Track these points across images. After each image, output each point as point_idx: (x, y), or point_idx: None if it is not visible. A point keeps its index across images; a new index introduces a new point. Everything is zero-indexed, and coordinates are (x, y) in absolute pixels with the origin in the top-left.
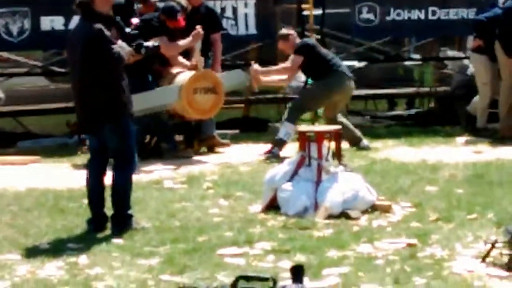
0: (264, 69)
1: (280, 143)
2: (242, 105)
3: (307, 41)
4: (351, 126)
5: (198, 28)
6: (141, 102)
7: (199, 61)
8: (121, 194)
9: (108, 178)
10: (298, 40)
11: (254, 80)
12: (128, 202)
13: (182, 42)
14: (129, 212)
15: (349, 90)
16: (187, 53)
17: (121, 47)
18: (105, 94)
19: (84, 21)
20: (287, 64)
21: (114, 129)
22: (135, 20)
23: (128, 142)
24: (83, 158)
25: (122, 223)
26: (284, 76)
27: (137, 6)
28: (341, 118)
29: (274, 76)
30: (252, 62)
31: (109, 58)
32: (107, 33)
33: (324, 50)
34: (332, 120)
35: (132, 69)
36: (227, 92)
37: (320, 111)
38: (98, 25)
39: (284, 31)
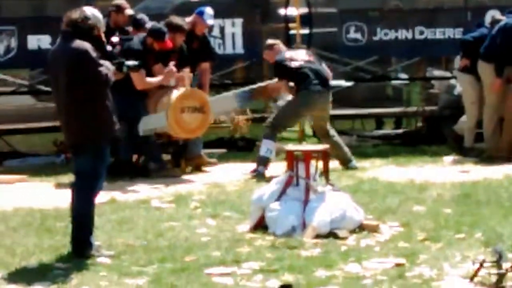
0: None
1: (263, 161)
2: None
3: (278, 60)
4: (344, 147)
5: (171, 65)
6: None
7: (187, 77)
8: (79, 217)
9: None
10: (284, 49)
11: (271, 91)
12: (88, 226)
13: (153, 80)
14: (90, 238)
15: (321, 104)
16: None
17: (107, 67)
18: (91, 116)
19: (68, 40)
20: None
21: (92, 151)
22: (115, 39)
23: (99, 166)
24: (70, 176)
25: (78, 250)
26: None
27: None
28: (335, 136)
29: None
30: (274, 77)
31: (97, 80)
32: (94, 53)
33: (295, 64)
34: (322, 135)
35: (113, 87)
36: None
37: (308, 130)
38: (85, 44)
39: (270, 41)
